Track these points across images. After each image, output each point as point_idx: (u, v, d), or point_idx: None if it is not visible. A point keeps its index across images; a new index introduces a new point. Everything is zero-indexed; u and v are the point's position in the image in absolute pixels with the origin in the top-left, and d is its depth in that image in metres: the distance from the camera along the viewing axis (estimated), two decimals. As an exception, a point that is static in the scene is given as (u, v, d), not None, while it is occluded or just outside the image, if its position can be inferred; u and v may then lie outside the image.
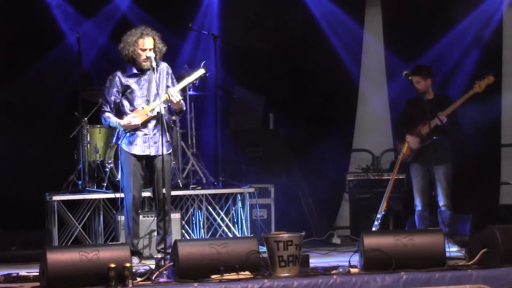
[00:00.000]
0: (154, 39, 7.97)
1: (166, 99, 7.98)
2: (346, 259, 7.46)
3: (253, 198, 9.63)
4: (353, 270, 7.21)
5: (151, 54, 7.90)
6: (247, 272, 6.95)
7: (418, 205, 9.22)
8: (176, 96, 7.94)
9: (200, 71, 8.22)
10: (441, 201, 9.10)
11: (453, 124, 9.14)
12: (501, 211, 10.56)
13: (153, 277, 6.99)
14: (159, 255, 7.78)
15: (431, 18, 10.84)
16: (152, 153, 8.03)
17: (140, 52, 7.95)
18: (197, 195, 9.53)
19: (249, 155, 10.39)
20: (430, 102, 9.08)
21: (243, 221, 9.55)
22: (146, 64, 7.98)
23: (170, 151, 8.19)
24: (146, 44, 7.93)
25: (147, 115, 7.98)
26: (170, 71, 8.17)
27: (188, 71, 9.01)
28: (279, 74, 10.67)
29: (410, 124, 9.24)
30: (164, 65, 8.14)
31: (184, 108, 8.21)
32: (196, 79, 8.40)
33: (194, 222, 9.61)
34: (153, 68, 7.90)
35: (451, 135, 9.18)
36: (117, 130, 8.47)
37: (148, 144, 8.04)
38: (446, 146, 9.17)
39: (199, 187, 9.56)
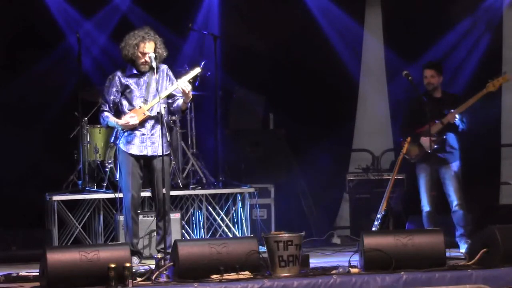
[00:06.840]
0: (155, 44, 7.97)
1: (166, 97, 8.02)
2: (346, 259, 7.47)
3: (253, 198, 9.64)
4: (353, 270, 7.22)
5: (152, 54, 7.90)
6: (247, 272, 6.95)
7: (426, 205, 8.98)
8: (187, 86, 7.91)
9: (196, 70, 8.18)
10: (455, 201, 8.97)
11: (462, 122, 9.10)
12: (501, 211, 10.54)
13: (153, 277, 6.99)
14: (159, 255, 7.78)
15: (431, 18, 10.83)
16: (149, 153, 8.01)
17: (140, 55, 7.95)
18: (197, 195, 9.53)
19: (249, 155, 10.38)
20: (439, 100, 9.05)
21: (243, 221, 9.55)
22: (144, 67, 7.99)
23: (169, 151, 8.18)
24: (147, 48, 7.92)
25: (144, 114, 7.98)
26: (170, 73, 8.17)
27: (188, 72, 9.01)
28: (279, 74, 10.66)
29: (415, 123, 9.11)
30: (164, 67, 8.14)
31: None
32: (194, 78, 8.37)
33: (194, 222, 9.61)
34: (153, 68, 7.90)
35: (458, 133, 9.14)
36: (116, 130, 8.47)
37: (146, 144, 8.02)
38: (455, 145, 9.12)
39: (199, 187, 9.56)
